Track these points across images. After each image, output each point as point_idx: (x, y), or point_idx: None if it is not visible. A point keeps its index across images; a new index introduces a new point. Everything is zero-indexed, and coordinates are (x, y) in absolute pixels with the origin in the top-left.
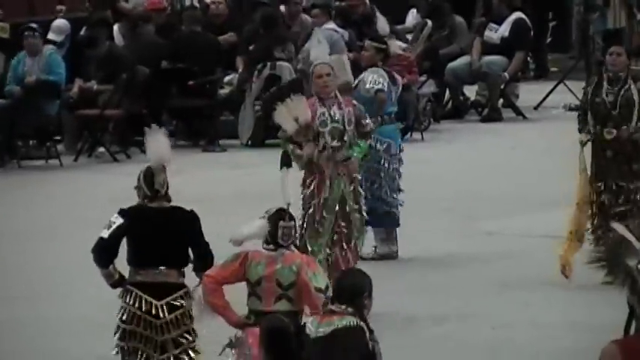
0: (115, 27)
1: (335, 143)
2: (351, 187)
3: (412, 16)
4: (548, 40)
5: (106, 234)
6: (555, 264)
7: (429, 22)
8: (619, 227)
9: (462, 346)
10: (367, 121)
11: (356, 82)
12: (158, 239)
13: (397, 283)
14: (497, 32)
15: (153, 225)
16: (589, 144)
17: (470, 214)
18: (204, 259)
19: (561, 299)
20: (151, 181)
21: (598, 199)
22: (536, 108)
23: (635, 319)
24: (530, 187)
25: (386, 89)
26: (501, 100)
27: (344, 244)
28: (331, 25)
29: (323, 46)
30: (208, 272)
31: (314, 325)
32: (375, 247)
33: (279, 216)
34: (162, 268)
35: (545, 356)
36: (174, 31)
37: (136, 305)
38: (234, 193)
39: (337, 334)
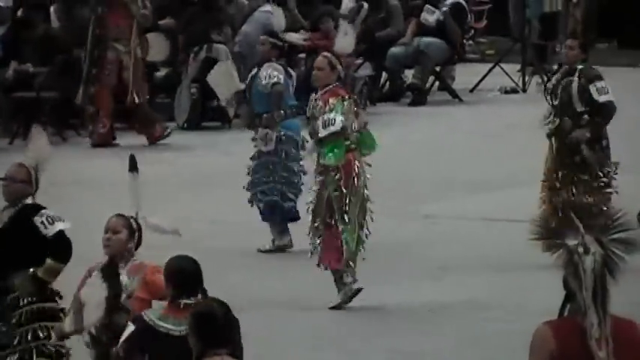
0: (52, 8)
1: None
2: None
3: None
4: (484, 23)
5: (67, 225)
6: (493, 246)
7: (365, 5)
8: (563, 206)
9: (400, 329)
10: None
11: (249, 78)
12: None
13: None
14: (434, 15)
15: None
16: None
17: (407, 198)
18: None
19: (499, 282)
20: (38, 176)
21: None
22: (472, 91)
23: (570, 302)
24: (466, 170)
25: (282, 82)
26: (437, 83)
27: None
28: (267, 7)
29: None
30: None
31: (174, 324)
32: (274, 240)
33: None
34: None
35: (483, 338)
36: None
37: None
38: (170, 174)
39: None
